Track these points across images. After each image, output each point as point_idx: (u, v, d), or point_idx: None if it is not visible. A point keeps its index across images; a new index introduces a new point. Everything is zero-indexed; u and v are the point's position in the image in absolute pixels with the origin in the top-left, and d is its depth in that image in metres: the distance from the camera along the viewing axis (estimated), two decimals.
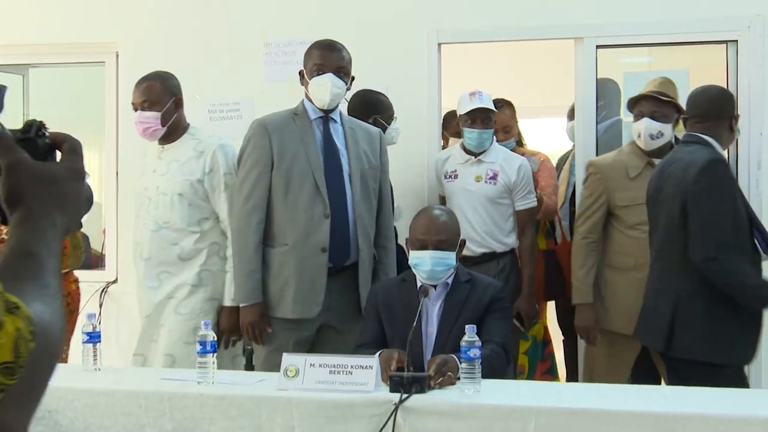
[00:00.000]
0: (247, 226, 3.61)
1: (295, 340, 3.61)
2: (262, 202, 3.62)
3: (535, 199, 4.55)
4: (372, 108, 4.39)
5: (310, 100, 3.73)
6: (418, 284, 3.48)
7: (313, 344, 3.70)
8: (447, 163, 4.60)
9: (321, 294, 3.61)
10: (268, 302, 3.64)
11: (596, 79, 4.97)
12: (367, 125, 3.99)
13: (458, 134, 4.93)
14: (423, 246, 3.43)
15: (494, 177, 4.44)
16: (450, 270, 3.46)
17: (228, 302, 3.81)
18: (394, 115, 4.52)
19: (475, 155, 4.50)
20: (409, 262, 3.49)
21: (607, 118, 5.21)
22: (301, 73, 3.76)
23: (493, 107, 4.47)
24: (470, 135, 4.50)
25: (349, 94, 4.18)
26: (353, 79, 3.83)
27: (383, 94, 4.55)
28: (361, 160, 3.74)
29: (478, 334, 3.02)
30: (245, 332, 3.63)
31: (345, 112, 4.13)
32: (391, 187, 4.55)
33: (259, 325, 3.59)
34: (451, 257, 3.44)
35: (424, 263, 3.41)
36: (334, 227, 3.61)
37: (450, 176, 4.55)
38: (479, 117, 4.45)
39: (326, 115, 3.73)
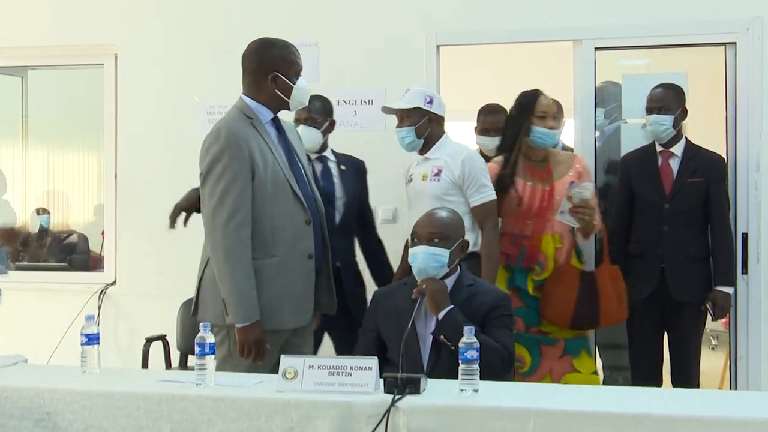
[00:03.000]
0: (239, 242, 3.41)
1: (277, 346, 3.53)
2: (249, 215, 3.44)
3: (493, 192, 4.19)
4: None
5: (264, 104, 3.60)
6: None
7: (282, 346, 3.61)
8: (409, 168, 4.40)
9: (311, 300, 3.58)
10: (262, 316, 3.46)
11: (594, 81, 4.98)
12: (288, 121, 3.89)
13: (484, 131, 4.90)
14: (417, 239, 3.54)
15: (438, 174, 4.20)
16: (442, 268, 3.50)
17: None
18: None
19: (423, 153, 4.28)
20: (409, 260, 3.57)
21: (615, 121, 5.22)
22: (273, 76, 3.57)
23: (405, 106, 4.20)
24: None
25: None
26: None
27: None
28: (305, 160, 3.74)
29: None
30: (247, 352, 3.40)
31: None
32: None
33: (264, 342, 3.42)
34: (443, 254, 3.50)
35: (416, 258, 3.50)
36: (314, 231, 3.58)
37: (409, 180, 4.37)
38: (396, 114, 4.29)
39: (275, 118, 3.66)
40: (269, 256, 3.49)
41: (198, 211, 3.68)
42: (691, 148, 4.50)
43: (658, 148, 4.51)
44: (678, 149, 4.48)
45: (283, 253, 3.50)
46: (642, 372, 4.49)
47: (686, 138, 4.53)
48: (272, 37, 3.67)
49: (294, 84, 3.59)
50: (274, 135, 3.63)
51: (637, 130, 4.90)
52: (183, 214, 3.76)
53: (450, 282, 3.54)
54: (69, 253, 6.07)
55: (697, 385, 4.43)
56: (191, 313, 3.63)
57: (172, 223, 3.74)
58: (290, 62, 3.61)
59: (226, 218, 3.40)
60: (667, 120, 4.42)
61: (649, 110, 4.48)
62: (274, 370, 3.41)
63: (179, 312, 5.03)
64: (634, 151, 4.70)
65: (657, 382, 4.44)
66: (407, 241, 3.67)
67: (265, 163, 3.49)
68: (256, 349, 3.40)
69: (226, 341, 3.46)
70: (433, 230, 3.53)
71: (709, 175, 4.42)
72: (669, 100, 4.43)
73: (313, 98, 4.24)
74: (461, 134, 5.63)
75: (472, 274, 3.67)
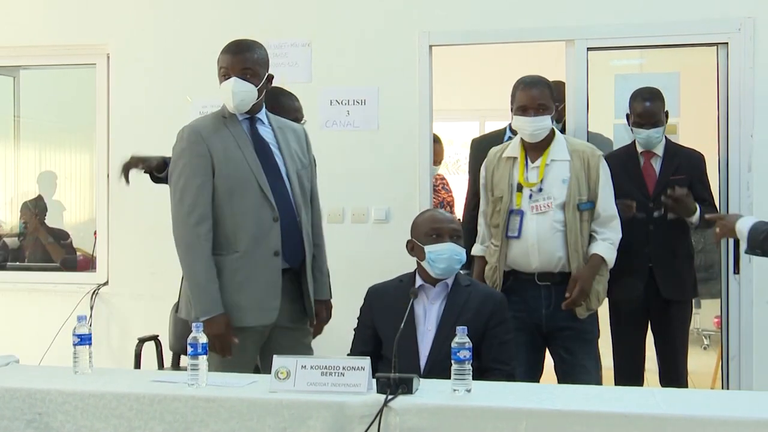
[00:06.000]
0: (197, 237, 3.46)
1: (249, 344, 3.55)
2: (208, 210, 3.49)
3: None
4: (273, 110, 3.98)
5: None
6: (417, 285, 3.54)
7: (264, 345, 3.63)
8: None
9: (277, 299, 3.54)
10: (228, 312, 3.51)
11: (587, 81, 4.98)
12: (292, 123, 3.88)
13: None
14: (439, 235, 3.52)
15: None
16: (461, 266, 3.53)
17: None
18: (303, 119, 4.23)
19: None
20: (426, 258, 3.51)
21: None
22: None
23: None
24: None
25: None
26: (271, 77, 3.68)
27: (288, 95, 4.24)
28: (294, 161, 3.67)
29: (480, 349, 3.09)
30: (210, 347, 3.27)
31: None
32: None
33: (226, 336, 3.44)
34: (463, 253, 3.54)
35: (442, 255, 3.48)
36: (286, 230, 3.56)
37: None
38: None
39: (252, 117, 3.65)
40: (232, 252, 3.52)
41: (151, 174, 3.82)
42: (671, 147, 4.53)
43: (639, 149, 4.52)
44: (659, 149, 4.49)
45: (244, 249, 3.51)
46: (625, 372, 4.49)
47: (667, 138, 4.55)
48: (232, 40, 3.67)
49: (220, 85, 3.60)
50: (248, 133, 3.62)
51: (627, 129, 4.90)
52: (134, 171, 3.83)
53: (450, 282, 3.56)
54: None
55: (685, 385, 4.45)
56: (176, 311, 3.65)
57: (126, 178, 3.82)
58: (218, 61, 3.63)
59: (186, 214, 3.48)
60: (661, 131, 4.44)
61: (640, 124, 4.44)
62: (252, 369, 3.43)
63: (171, 312, 5.02)
64: (615, 151, 4.71)
65: (639, 381, 4.47)
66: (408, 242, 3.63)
67: (228, 159, 3.52)
68: (219, 344, 3.41)
69: None
70: (455, 227, 3.58)
71: (691, 171, 4.45)
72: (659, 112, 4.44)
73: (284, 93, 4.20)
74: (456, 134, 5.64)
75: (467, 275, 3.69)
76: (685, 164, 4.46)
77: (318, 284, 3.76)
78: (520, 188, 3.91)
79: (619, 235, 3.99)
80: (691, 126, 5.88)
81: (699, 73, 5.35)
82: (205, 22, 5.38)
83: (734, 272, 4.82)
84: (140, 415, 2.84)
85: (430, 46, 5.12)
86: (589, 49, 4.97)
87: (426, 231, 3.55)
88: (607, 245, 3.94)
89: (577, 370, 3.89)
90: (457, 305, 3.49)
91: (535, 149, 3.96)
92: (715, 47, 4.92)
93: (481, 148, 4.58)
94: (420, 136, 5.09)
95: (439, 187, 6.10)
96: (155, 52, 5.44)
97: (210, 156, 3.51)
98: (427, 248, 3.50)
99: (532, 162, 3.94)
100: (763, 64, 4.79)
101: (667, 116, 4.50)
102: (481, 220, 4.15)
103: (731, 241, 4.78)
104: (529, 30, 5.05)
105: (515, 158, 3.98)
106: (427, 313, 3.51)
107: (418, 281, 3.57)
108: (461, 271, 3.64)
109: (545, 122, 3.91)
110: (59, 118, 6.56)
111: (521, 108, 3.91)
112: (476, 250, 4.17)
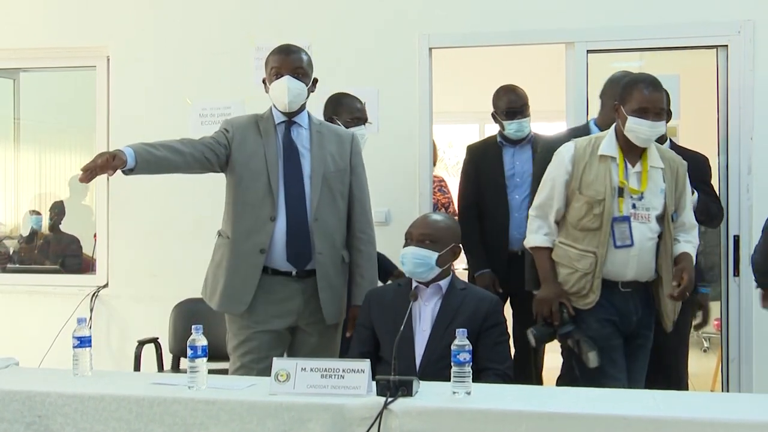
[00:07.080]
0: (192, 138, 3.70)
1: (269, 346, 3.63)
2: (203, 139, 3.66)
3: None
4: (330, 109, 4.27)
5: (275, 106, 3.74)
6: (414, 287, 3.57)
7: (291, 347, 3.76)
8: None
9: (249, 294, 3.62)
10: (209, 290, 3.74)
11: (587, 83, 4.98)
12: (338, 128, 3.96)
13: None
14: (409, 238, 3.59)
15: None
16: (431, 269, 3.53)
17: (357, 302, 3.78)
18: (368, 121, 4.35)
19: None
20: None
21: None
22: (264, 81, 3.74)
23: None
24: None
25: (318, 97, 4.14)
26: (316, 80, 3.79)
27: (351, 97, 4.35)
28: (324, 163, 3.70)
29: (476, 352, 3.08)
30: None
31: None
32: None
33: (101, 156, 3.52)
34: (430, 257, 3.53)
35: (405, 258, 3.55)
36: (292, 231, 3.61)
37: None
38: None
39: (289, 120, 3.72)
40: (225, 237, 3.70)
41: None
42: (675, 150, 4.50)
43: None
44: None
45: (235, 239, 3.65)
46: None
47: (671, 140, 4.53)
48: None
49: (270, 85, 3.70)
50: (280, 134, 3.70)
51: None
52: None
53: (444, 284, 3.58)
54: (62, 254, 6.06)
55: (685, 387, 4.44)
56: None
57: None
58: (267, 63, 3.73)
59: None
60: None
61: None
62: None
63: (171, 314, 5.03)
64: None
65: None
66: None
67: (245, 148, 3.66)
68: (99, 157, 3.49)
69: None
70: (424, 231, 3.58)
71: (694, 174, 4.42)
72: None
73: (347, 97, 4.35)
74: (456, 137, 5.63)
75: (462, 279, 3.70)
76: (690, 167, 4.44)
77: (357, 289, 3.80)
78: (621, 193, 3.59)
79: (698, 242, 3.81)
80: (690, 128, 5.88)
81: (699, 76, 5.34)
82: (204, 23, 5.38)
83: (734, 275, 4.82)
84: (140, 417, 2.84)
85: (430, 49, 5.12)
86: (589, 51, 4.97)
87: (405, 235, 3.64)
88: (691, 247, 3.72)
89: (631, 377, 3.70)
90: (451, 308, 3.52)
91: (633, 152, 3.64)
92: (715, 50, 4.92)
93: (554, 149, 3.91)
94: (420, 138, 5.09)
95: (436, 188, 6.09)
96: (155, 54, 5.44)
97: (231, 138, 3.68)
98: (401, 251, 3.60)
99: (632, 166, 3.64)
100: (762, 66, 4.79)
101: (667, 117, 4.45)
102: (542, 212, 3.73)
103: (731, 244, 4.78)
104: (529, 32, 5.05)
105: (613, 158, 3.63)
106: (422, 315, 3.55)
107: (414, 282, 3.60)
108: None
109: (662, 128, 3.66)
110: (59, 121, 6.57)
111: (642, 110, 3.55)
112: (538, 240, 3.74)
